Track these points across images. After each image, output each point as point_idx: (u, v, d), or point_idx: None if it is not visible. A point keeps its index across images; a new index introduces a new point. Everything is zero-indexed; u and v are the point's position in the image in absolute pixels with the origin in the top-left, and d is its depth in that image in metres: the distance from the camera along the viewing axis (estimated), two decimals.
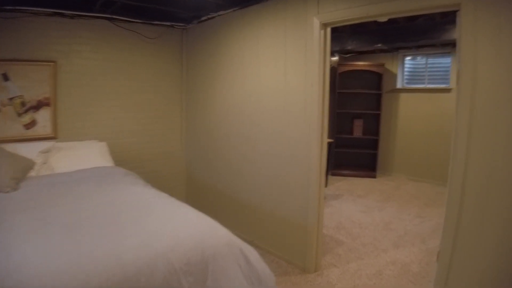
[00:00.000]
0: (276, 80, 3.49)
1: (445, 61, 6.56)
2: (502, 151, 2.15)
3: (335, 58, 6.81)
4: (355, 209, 5.20)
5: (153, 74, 4.72)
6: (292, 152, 3.40)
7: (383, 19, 4.29)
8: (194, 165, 4.90)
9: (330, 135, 7.57)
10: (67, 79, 4.07)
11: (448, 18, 4.23)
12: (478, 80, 2.24)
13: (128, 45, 4.47)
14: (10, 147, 3.44)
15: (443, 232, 2.55)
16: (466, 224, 2.36)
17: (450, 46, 6.23)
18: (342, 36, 5.02)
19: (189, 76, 4.81)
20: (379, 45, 4.41)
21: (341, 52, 7.01)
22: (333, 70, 7.17)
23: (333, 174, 7.18)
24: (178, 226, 2.21)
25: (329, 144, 6.12)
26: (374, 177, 7.09)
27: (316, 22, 2.98)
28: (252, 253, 2.23)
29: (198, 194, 4.89)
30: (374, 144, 7.25)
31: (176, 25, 4.69)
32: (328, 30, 3.05)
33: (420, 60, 6.92)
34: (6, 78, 3.64)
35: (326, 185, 6.29)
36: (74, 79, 4.13)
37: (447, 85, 6.46)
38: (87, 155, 3.93)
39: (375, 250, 3.90)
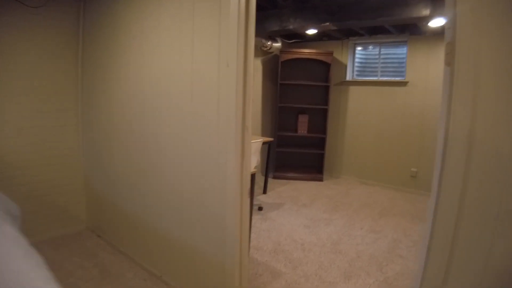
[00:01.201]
0: (181, 61, 2.46)
1: (400, 51, 5.85)
2: None
3: (278, 45, 5.90)
4: (298, 224, 4.32)
5: (39, 54, 3.52)
6: (203, 159, 2.40)
7: None
8: (94, 175, 3.76)
9: (271, 133, 6.76)
10: None
11: None
12: (484, 57, 1.38)
13: (3, 17, 3.26)
14: None
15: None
16: (458, 272, 1.51)
17: (406, 34, 5.51)
18: (282, 13, 4.10)
19: (88, 57, 3.65)
20: (327, 23, 3.55)
21: (283, 35, 6.11)
22: (275, 58, 6.27)
23: (275, 177, 6.30)
24: None
25: (269, 143, 5.22)
26: (321, 180, 6.28)
27: None
28: None
29: (101, 214, 3.76)
30: (321, 143, 6.44)
31: None
32: None
33: (373, 50, 6.17)
34: None
35: (265, 191, 5.40)
36: None
37: (403, 78, 5.75)
38: None
39: (321, 284, 3.02)
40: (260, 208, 4.77)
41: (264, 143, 5.04)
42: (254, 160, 4.53)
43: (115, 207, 3.43)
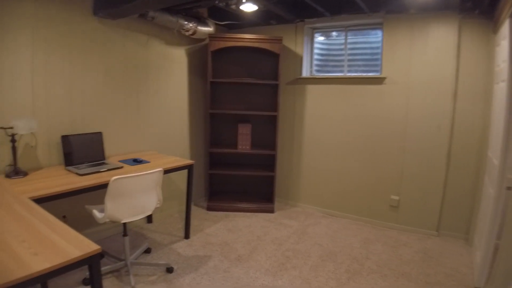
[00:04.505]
0: None
1: (373, 38, 4.33)
2: None
3: (207, 29, 4.26)
4: None
5: None
6: None
7: None
8: None
9: (203, 150, 4.93)
10: None
11: None
12: None
13: None
14: None
15: None
16: None
17: (382, 13, 3.99)
18: None
19: None
20: None
21: (214, 16, 4.45)
22: (206, 48, 4.64)
23: (209, 209, 4.64)
24: None
25: (188, 167, 3.60)
26: (271, 211, 4.67)
27: None
28: None
29: None
30: (270, 162, 4.83)
31: None
32: None
33: (337, 38, 4.62)
34: None
35: (187, 235, 3.78)
36: None
37: (378, 74, 4.22)
38: None
39: None
40: (169, 270, 3.10)
41: (176, 168, 3.41)
42: (153, 198, 2.90)
43: None
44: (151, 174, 2.73)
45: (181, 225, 4.16)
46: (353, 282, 3.04)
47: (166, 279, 2.97)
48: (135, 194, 2.71)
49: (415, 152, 4.04)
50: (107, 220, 2.66)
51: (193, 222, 4.20)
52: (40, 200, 2.28)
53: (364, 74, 4.34)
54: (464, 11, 3.60)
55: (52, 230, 1.75)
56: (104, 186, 2.69)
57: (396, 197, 4.20)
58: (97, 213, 2.75)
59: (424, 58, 3.88)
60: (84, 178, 2.78)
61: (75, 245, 1.62)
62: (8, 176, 2.71)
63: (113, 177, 2.52)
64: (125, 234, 2.98)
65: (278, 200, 5.07)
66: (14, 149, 2.75)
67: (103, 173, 2.96)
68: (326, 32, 4.68)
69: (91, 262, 1.62)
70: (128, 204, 2.69)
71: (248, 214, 4.60)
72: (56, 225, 1.82)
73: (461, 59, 3.75)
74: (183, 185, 4.52)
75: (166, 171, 3.16)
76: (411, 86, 3.98)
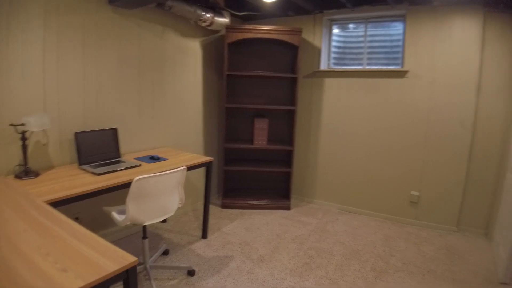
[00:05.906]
0: None
1: (394, 31, 4.19)
2: None
3: (224, 20, 4.11)
4: None
5: None
6: None
7: None
8: None
9: (217, 145, 4.80)
10: None
11: None
12: None
13: None
14: None
15: None
16: None
17: (404, 5, 3.85)
18: None
19: None
20: None
21: (231, 6, 4.28)
22: (221, 39, 4.50)
23: (224, 206, 4.52)
24: None
25: (207, 164, 3.47)
26: (288, 208, 4.56)
27: None
28: None
29: None
30: (286, 158, 4.72)
31: None
32: None
33: (356, 30, 4.48)
34: None
35: (205, 234, 3.66)
36: None
37: (399, 67, 4.09)
38: None
39: None
40: (190, 273, 2.99)
41: (196, 166, 3.29)
42: (176, 198, 2.78)
43: None
44: (175, 173, 2.60)
45: (197, 224, 4.04)
46: (381, 281, 2.95)
47: (189, 282, 2.86)
48: (158, 194, 2.58)
49: (436, 148, 3.94)
50: (129, 223, 2.52)
51: (209, 220, 4.09)
52: (56, 204, 2.09)
53: (384, 68, 4.21)
54: (489, 4, 3.49)
55: (79, 240, 1.54)
56: (124, 186, 2.56)
57: (417, 193, 4.10)
58: (117, 216, 2.62)
59: (447, 51, 3.76)
60: (101, 178, 2.61)
61: (108, 257, 1.43)
62: (18, 177, 2.52)
63: (137, 177, 2.38)
64: (144, 237, 2.84)
65: (293, 197, 4.96)
66: (24, 147, 2.56)
67: (120, 172, 2.81)
68: (342, 24, 4.53)
69: (128, 276, 1.45)
70: (151, 205, 2.55)
71: (264, 211, 4.49)
72: (82, 233, 1.61)
73: (485, 53, 3.64)
74: (197, 182, 4.41)
75: (195, 166, 3.04)
76: (433, 80, 3.86)
